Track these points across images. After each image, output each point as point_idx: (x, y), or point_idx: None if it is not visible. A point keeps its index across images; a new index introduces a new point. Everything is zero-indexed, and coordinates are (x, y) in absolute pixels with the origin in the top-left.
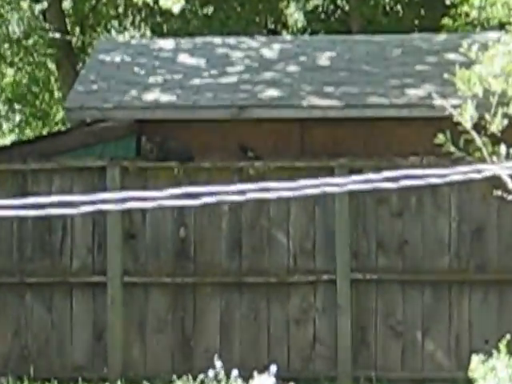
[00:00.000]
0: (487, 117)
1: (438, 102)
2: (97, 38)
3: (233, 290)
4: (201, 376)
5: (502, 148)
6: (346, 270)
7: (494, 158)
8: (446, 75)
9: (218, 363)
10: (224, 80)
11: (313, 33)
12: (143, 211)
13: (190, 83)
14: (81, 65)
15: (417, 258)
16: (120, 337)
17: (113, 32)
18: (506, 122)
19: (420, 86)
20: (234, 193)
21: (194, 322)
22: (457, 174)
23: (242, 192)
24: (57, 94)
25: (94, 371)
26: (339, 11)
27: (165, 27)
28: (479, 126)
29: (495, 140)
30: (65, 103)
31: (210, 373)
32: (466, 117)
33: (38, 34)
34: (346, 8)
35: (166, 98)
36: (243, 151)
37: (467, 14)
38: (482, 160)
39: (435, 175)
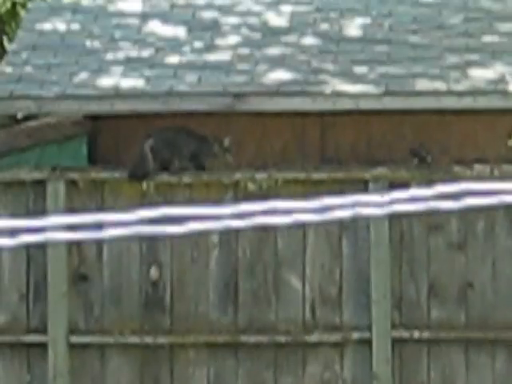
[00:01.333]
0: None
1: None
2: None
3: (226, 353)
4: None
5: None
6: (385, 326)
7: None
8: None
9: None
10: (213, 57)
11: None
12: (99, 243)
13: (165, 62)
14: (9, 36)
15: (486, 309)
16: None
17: None
18: None
19: (489, 64)
20: (226, 217)
21: None
22: None
23: (239, 216)
24: None
25: None
26: None
27: None
28: None
29: None
30: None
31: None
32: None
33: None
34: None
35: (129, 82)
36: (416, 155)
37: None
38: None
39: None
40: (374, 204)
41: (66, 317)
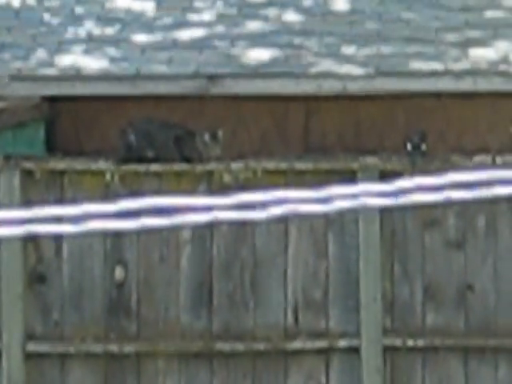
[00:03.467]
0: None
1: None
2: None
3: (199, 362)
4: None
5: None
6: (375, 333)
7: None
8: None
9: None
10: (184, 34)
11: None
12: (58, 239)
13: (131, 40)
14: None
15: (487, 313)
16: None
17: None
18: None
19: (491, 42)
20: (199, 210)
21: None
22: None
23: (213, 209)
24: None
25: None
26: None
27: None
28: None
29: None
30: None
31: None
32: None
33: None
34: None
35: (92, 62)
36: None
37: None
38: None
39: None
40: (362, 196)
41: (21, 322)
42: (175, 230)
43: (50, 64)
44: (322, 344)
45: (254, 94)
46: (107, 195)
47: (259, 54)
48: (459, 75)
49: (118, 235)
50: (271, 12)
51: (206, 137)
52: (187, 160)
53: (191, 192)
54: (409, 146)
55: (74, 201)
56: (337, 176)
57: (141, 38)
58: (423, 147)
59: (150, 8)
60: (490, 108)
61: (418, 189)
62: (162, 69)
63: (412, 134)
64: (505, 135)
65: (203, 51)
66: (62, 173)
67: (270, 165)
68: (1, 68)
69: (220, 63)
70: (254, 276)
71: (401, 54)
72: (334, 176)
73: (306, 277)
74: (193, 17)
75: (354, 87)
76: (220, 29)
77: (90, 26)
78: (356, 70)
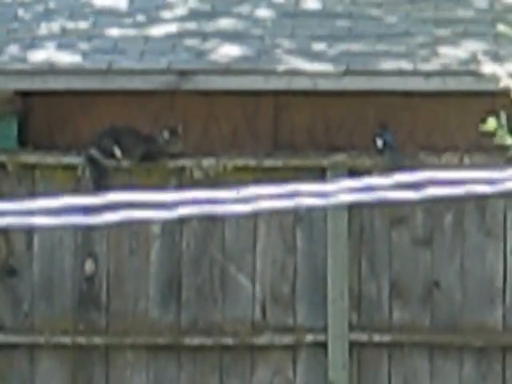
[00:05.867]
0: None
1: (488, 67)
2: None
3: (167, 356)
4: None
5: None
6: (342, 328)
7: None
8: (501, 26)
9: None
10: (156, 31)
11: None
12: (29, 233)
13: (104, 35)
14: None
15: (453, 310)
16: None
17: None
18: None
19: (461, 42)
20: (169, 206)
21: None
22: None
23: (183, 204)
24: None
25: None
26: None
27: None
28: None
29: None
30: None
31: None
32: None
33: None
34: None
35: (65, 57)
36: (381, 137)
37: None
38: None
39: (483, 181)
40: (331, 193)
41: None
42: (145, 224)
43: (23, 58)
44: (289, 339)
45: (225, 90)
46: (78, 189)
47: (230, 51)
48: (429, 74)
49: (88, 229)
50: (243, 9)
51: (166, 134)
52: (151, 159)
53: (162, 187)
54: (379, 144)
55: (45, 194)
56: (306, 173)
57: (113, 33)
58: (395, 144)
59: (122, 3)
60: (459, 107)
61: (388, 186)
62: (133, 64)
63: (382, 131)
64: (474, 134)
65: (175, 47)
66: (33, 166)
67: (240, 161)
68: None
69: (191, 59)
70: (223, 271)
71: (371, 53)
72: (303, 173)
73: (274, 272)
74: (165, 13)
75: (324, 84)
76: (192, 25)
77: (63, 21)
78: (326, 68)
